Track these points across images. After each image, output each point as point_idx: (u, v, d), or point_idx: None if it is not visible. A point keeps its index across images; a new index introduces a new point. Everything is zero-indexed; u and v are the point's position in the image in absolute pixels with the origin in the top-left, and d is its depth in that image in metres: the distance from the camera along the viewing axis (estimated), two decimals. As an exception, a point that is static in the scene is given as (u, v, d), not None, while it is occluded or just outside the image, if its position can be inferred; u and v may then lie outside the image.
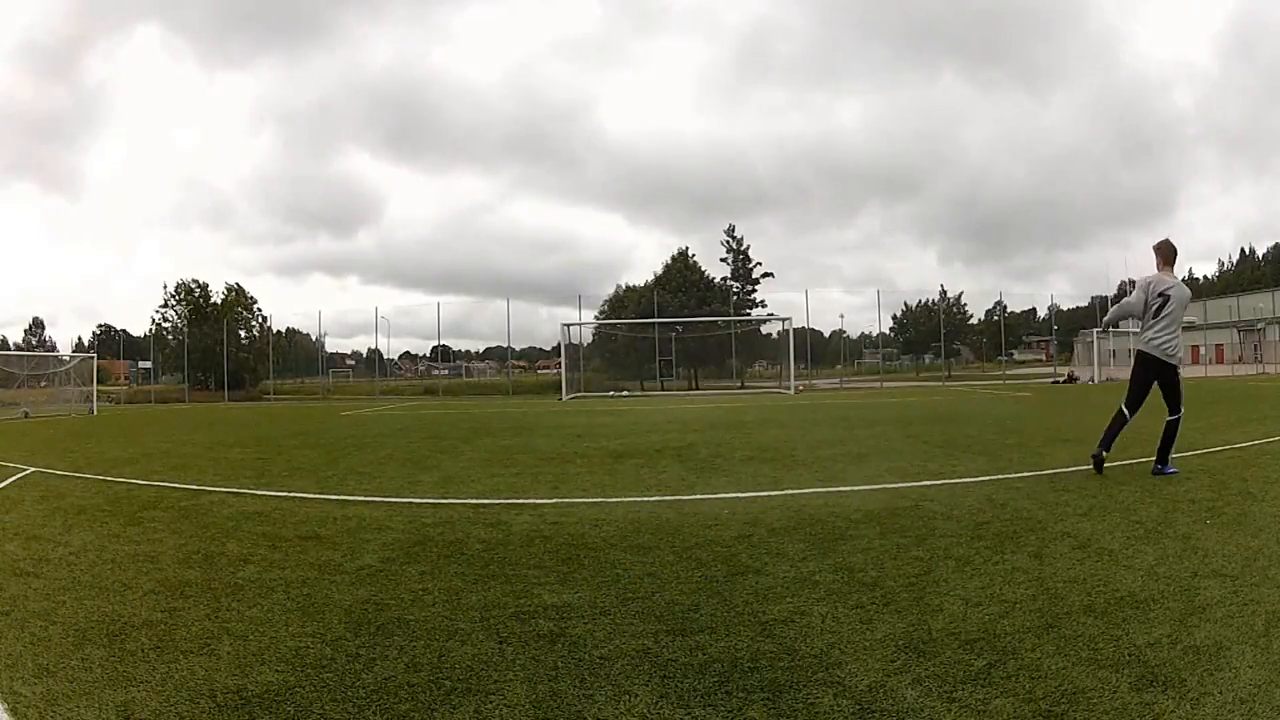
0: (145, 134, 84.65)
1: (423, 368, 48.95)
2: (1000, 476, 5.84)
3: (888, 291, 69.16)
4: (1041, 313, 48.34)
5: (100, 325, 55.84)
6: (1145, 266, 6.21)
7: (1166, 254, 5.81)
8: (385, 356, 44.09)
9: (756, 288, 43.55)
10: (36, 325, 58.04)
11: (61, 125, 78.49)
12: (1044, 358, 49.93)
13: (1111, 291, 45.23)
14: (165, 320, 41.30)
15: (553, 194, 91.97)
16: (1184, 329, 6.13)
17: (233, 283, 42.53)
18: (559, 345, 33.14)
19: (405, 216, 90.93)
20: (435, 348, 44.77)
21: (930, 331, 42.35)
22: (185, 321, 40.06)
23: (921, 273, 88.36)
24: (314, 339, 40.10)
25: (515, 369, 44.42)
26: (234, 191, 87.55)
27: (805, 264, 77.48)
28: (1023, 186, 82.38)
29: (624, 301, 42.04)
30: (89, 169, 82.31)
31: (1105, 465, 5.69)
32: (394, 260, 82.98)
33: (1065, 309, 47.90)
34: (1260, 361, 41.52)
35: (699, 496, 5.36)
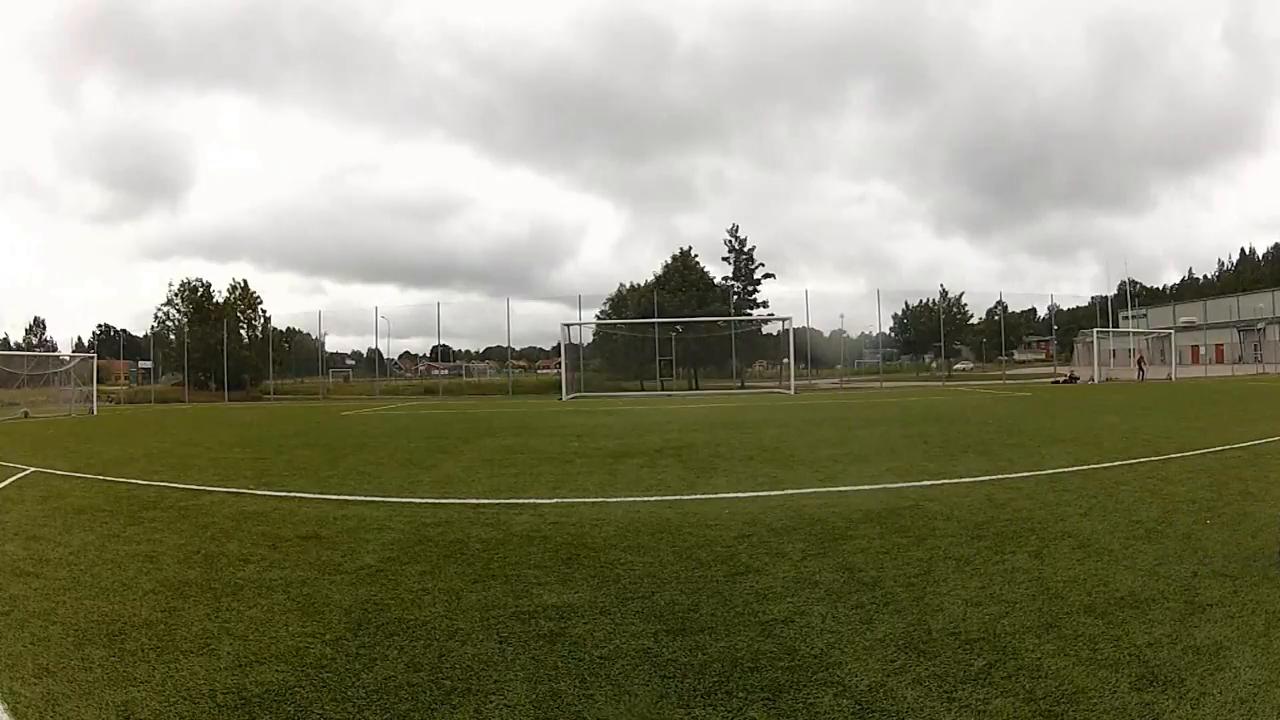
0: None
1: (423, 368, 48.95)
2: (1000, 476, 5.83)
3: (888, 289, 68.82)
4: (1041, 312, 48.40)
5: (100, 325, 55.83)
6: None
7: None
8: (385, 356, 44.15)
9: (758, 288, 43.59)
10: (37, 325, 57.98)
11: None
12: (1044, 357, 49.94)
13: (1112, 291, 45.32)
14: (169, 320, 41.25)
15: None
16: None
17: (239, 279, 42.40)
18: (559, 345, 33.16)
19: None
20: (435, 348, 44.79)
21: (930, 331, 42.33)
22: (187, 320, 40.00)
23: (919, 255, 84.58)
24: (314, 338, 40.10)
25: (515, 369, 44.39)
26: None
27: (782, 227, 73.97)
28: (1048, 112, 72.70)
29: (624, 301, 42.04)
30: None
31: (1105, 465, 5.61)
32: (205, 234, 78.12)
33: (1066, 309, 47.98)
34: (1260, 361, 41.49)
35: (699, 496, 5.36)
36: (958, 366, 43.84)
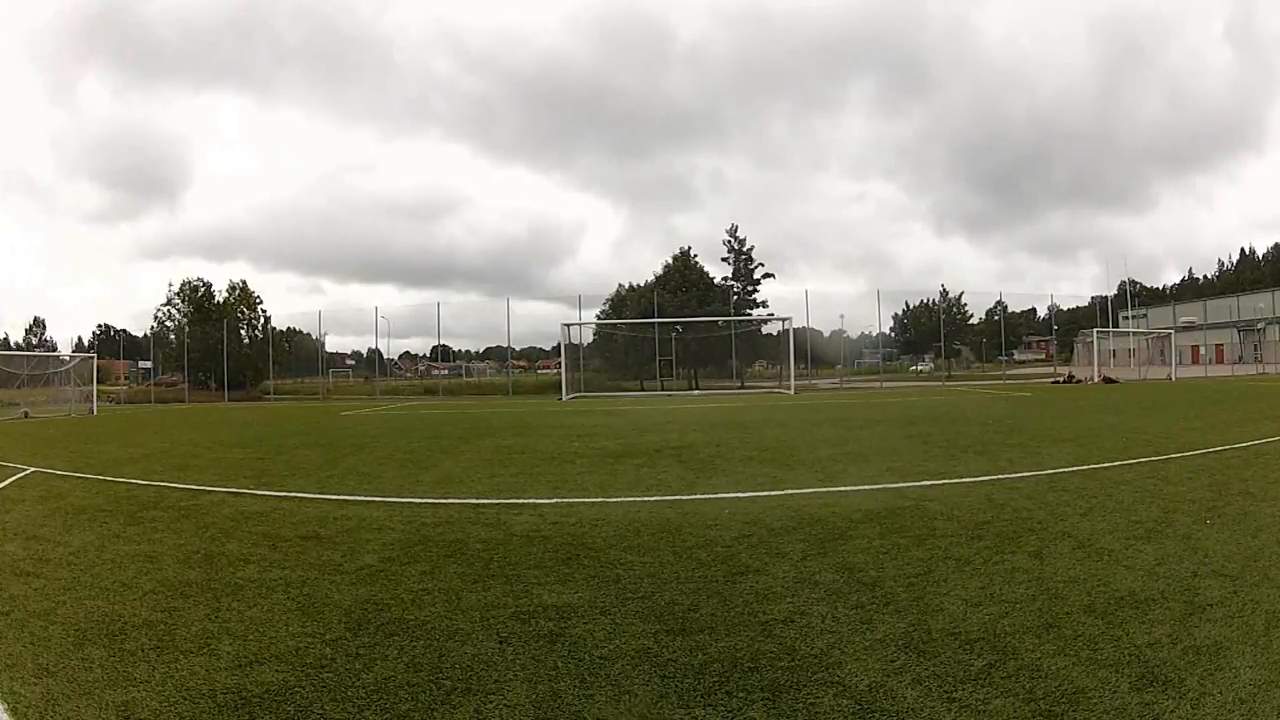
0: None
1: (423, 368, 48.93)
2: (1000, 476, 5.83)
3: (888, 289, 68.73)
4: (1041, 312, 48.42)
5: (100, 325, 55.81)
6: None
7: None
8: (385, 356, 44.12)
9: (757, 288, 43.56)
10: (37, 325, 57.91)
11: None
12: (1044, 357, 49.97)
13: (1112, 291, 45.32)
14: (169, 319, 41.21)
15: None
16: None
17: (238, 280, 42.36)
18: (559, 345, 33.16)
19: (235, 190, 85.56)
20: (435, 348, 44.76)
21: (930, 331, 42.33)
22: (187, 320, 39.97)
23: (919, 255, 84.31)
24: (314, 338, 40.06)
25: (515, 369, 44.38)
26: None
27: (782, 224, 73.77)
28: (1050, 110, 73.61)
29: (624, 301, 42.02)
30: None
31: (1105, 465, 5.60)
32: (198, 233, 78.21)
33: (1066, 309, 47.99)
34: (1260, 361, 41.50)
35: (699, 496, 5.36)
36: (914, 368, 44.01)
